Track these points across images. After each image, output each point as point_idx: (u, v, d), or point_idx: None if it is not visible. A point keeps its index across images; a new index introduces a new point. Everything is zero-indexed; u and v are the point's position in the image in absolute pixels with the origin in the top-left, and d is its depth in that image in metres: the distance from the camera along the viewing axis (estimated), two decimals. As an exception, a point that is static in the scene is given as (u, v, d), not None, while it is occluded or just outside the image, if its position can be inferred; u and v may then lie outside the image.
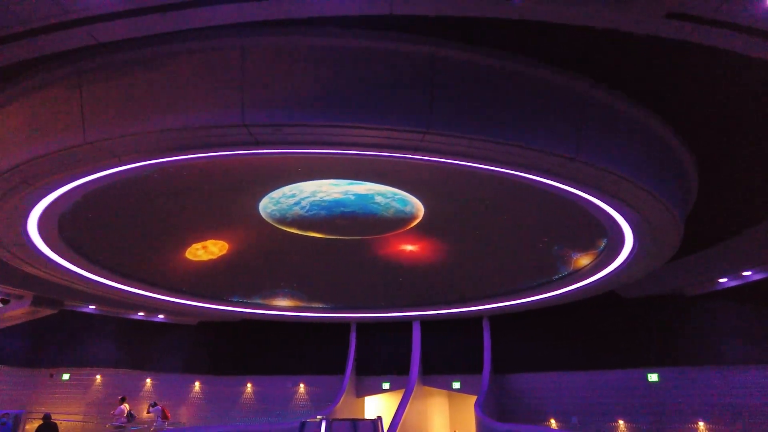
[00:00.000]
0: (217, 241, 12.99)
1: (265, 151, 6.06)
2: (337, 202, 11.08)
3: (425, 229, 11.68)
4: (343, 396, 17.18)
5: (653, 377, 14.69)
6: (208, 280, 15.86)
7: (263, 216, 11.08)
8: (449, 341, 18.66)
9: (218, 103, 5.32)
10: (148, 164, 6.54)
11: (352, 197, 10.92)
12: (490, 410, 16.05)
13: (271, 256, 13.91)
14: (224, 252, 13.44)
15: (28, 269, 11.59)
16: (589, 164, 6.24)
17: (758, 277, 12.70)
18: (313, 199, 10.95)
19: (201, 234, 12.31)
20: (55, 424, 12.39)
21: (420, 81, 5.43)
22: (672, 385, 14.37)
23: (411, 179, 9.19)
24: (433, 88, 5.43)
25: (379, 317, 18.85)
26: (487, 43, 5.56)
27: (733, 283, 13.36)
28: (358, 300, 18.10)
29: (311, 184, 10.28)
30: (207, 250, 13.55)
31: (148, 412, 16.43)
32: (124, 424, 15.35)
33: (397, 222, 11.47)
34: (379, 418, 11.27)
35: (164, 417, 15.95)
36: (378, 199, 10.82)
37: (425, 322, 19.10)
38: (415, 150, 5.91)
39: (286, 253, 13.53)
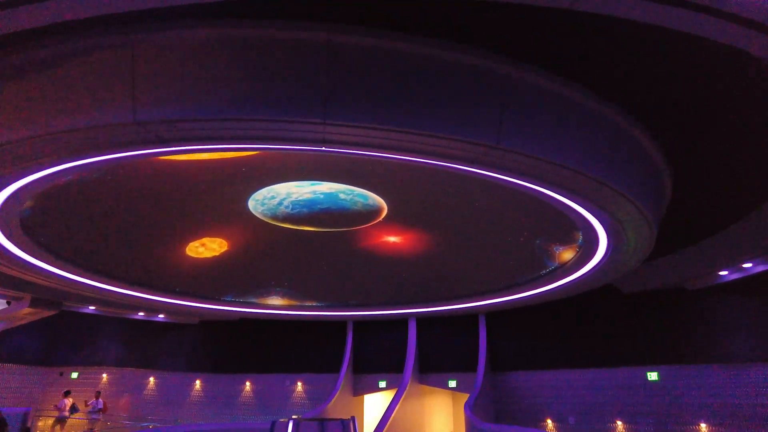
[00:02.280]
0: (214, 238, 13.24)
1: (174, 149, 5.94)
2: (311, 201, 11.35)
3: (400, 221, 11.58)
4: (338, 394, 17.08)
5: (653, 376, 13.93)
6: (204, 280, 16.09)
7: (257, 215, 11.37)
8: (446, 339, 18.29)
9: (110, 102, 5.22)
10: (72, 167, 6.51)
11: (321, 196, 11.15)
12: (486, 410, 15.62)
13: (270, 253, 14.03)
14: (224, 249, 13.63)
15: (9, 272, 11.96)
16: (514, 152, 5.83)
17: (760, 268, 11.81)
18: (290, 199, 11.35)
19: (195, 233, 12.56)
20: (4, 418, 12.83)
21: (316, 69, 5.18)
22: (672, 384, 13.59)
23: (355, 174, 9.08)
24: (329, 77, 5.17)
25: (375, 315, 18.66)
26: (390, 27, 5.26)
27: (735, 276, 12.49)
28: (355, 298, 17.98)
29: (281, 186, 10.58)
30: (206, 247, 13.79)
31: (87, 404, 16.76)
32: (67, 417, 15.77)
33: (369, 214, 11.50)
34: (352, 418, 11.07)
35: (103, 410, 16.31)
36: (342, 196, 10.81)
37: (421, 319, 18.79)
38: (322, 142, 5.67)
39: (284, 249, 13.61)
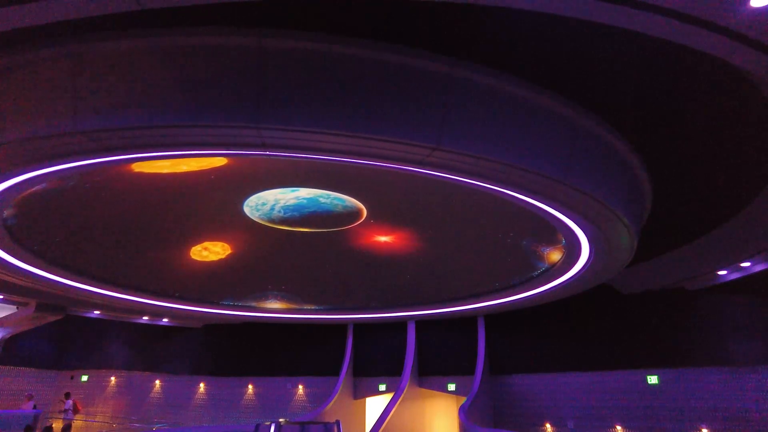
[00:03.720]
0: (216, 242, 13.52)
1: (123, 157, 6.04)
2: (298, 206, 11.61)
3: (384, 221, 11.63)
4: (337, 398, 17.08)
5: (653, 379, 13.50)
6: (207, 284, 16.34)
7: (256, 220, 11.71)
8: (445, 342, 18.12)
9: (52, 112, 5.35)
10: (35, 176, 6.70)
11: (305, 201, 11.36)
12: (485, 414, 15.42)
13: (273, 256, 14.22)
14: (228, 252, 13.88)
15: (11, 280, 12.38)
16: (457, 152, 5.74)
17: (759, 267, 11.33)
18: (280, 204, 11.66)
19: (194, 238, 12.86)
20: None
21: (247, 75, 5.21)
22: (673, 387, 13.13)
23: (317, 179, 9.16)
24: (261, 82, 5.19)
25: (376, 318, 18.61)
26: (322, 30, 5.25)
27: (735, 276, 12.01)
28: (355, 301, 17.98)
29: (268, 193, 10.90)
30: (210, 251, 14.07)
31: (64, 409, 17.05)
32: None
33: (350, 216, 11.59)
34: (337, 422, 11.05)
35: (75, 410, 16.60)
36: (322, 200, 10.92)
37: (421, 322, 18.67)
38: (262, 146, 5.69)
39: (286, 252, 13.78)
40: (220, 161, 8.66)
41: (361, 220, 11.70)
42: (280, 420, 11.45)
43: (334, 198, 10.55)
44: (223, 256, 14.16)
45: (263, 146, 5.67)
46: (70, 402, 16.99)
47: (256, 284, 16.51)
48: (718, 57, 4.90)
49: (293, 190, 10.71)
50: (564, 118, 6.44)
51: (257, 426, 10.68)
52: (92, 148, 5.68)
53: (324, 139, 5.52)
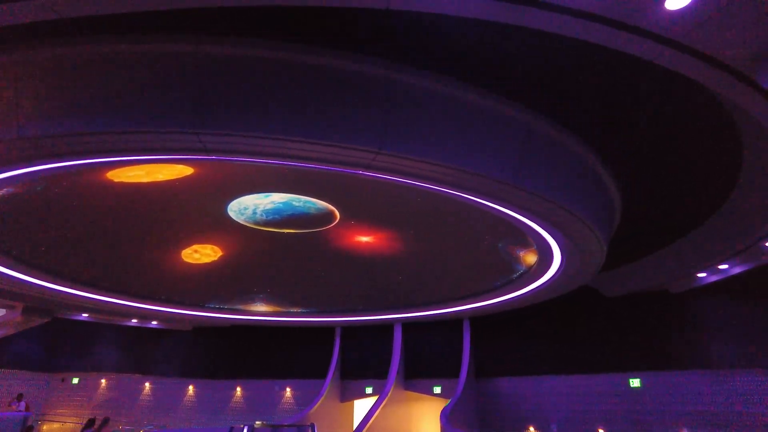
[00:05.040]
0: (205, 245, 13.61)
1: (67, 163, 6.10)
2: (276, 209, 11.73)
3: (361, 222, 11.66)
4: (323, 401, 17.08)
5: (635, 382, 13.39)
6: (197, 288, 16.42)
7: (242, 223, 11.85)
8: (432, 345, 18.08)
9: (-3, 118, 5.42)
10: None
11: (281, 205, 11.43)
12: (469, 417, 15.36)
13: (262, 258, 14.29)
14: (219, 254, 13.96)
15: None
16: (401, 156, 5.74)
17: (737, 270, 11.23)
18: (260, 209, 11.75)
19: (181, 242, 12.96)
20: None
21: (185, 80, 5.24)
22: (655, 391, 13.03)
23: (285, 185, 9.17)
24: (198, 87, 5.22)
25: (363, 320, 18.61)
26: (260, 35, 5.28)
27: (714, 278, 11.91)
28: (342, 303, 17.99)
29: (246, 198, 10.99)
30: (200, 253, 14.16)
31: (10, 405, 16.95)
32: None
33: (326, 217, 11.67)
34: (312, 425, 11.06)
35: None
36: (295, 203, 10.98)
37: (407, 325, 18.63)
38: (205, 152, 5.72)
39: (274, 254, 13.85)
40: (187, 170, 8.74)
41: (337, 221, 11.75)
42: (256, 423, 11.47)
43: (306, 201, 10.61)
44: (214, 258, 14.25)
45: (205, 151, 5.71)
46: (23, 404, 17.01)
47: (245, 286, 16.56)
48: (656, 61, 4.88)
49: (266, 196, 10.80)
50: (513, 120, 6.41)
51: (231, 429, 10.71)
52: (36, 154, 5.73)
53: (265, 144, 5.54)
